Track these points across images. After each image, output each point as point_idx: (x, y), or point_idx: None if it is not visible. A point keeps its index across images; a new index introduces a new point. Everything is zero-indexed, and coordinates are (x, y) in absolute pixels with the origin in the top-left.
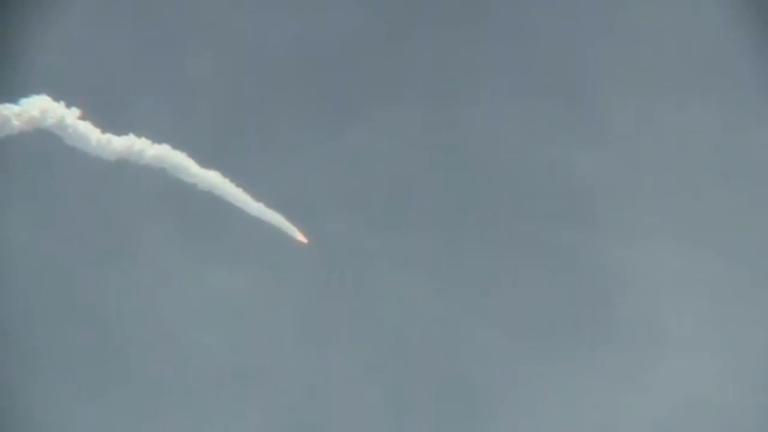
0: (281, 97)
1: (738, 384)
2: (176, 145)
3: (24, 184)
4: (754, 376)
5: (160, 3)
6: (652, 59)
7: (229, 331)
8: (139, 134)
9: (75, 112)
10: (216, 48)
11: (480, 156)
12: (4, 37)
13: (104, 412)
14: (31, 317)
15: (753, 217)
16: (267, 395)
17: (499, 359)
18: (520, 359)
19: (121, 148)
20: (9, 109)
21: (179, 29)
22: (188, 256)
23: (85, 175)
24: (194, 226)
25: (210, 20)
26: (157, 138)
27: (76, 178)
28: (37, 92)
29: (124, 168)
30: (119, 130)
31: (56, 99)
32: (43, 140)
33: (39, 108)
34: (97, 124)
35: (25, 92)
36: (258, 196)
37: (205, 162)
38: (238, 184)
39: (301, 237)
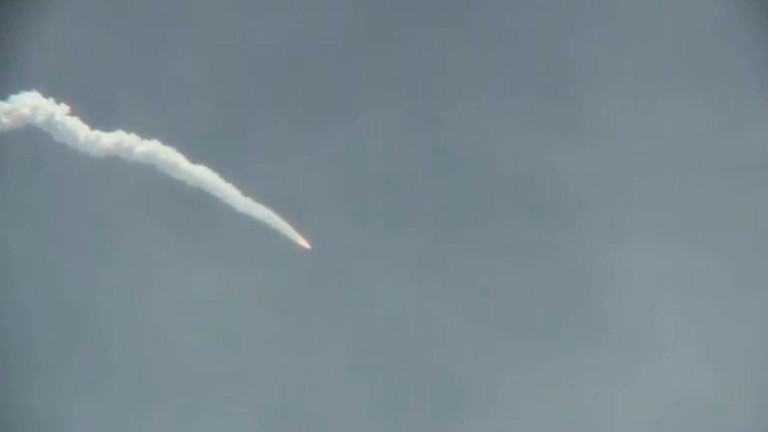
0: (271, 94)
1: (727, 383)
2: (166, 141)
3: (12, 183)
4: (742, 375)
5: None
6: (641, 58)
7: (216, 329)
8: (128, 130)
9: (64, 108)
10: (206, 44)
11: (470, 156)
12: None
13: (93, 411)
14: (19, 314)
15: (741, 215)
16: (257, 395)
17: (488, 358)
18: (511, 359)
19: (110, 144)
20: None
21: (168, 25)
22: (178, 255)
23: (74, 174)
24: (185, 224)
25: (199, 16)
26: (146, 134)
27: (65, 177)
28: (27, 89)
29: (114, 165)
30: (108, 127)
31: (45, 95)
32: (32, 138)
33: (29, 105)
34: (85, 121)
35: (15, 89)
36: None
37: (195, 158)
38: (228, 180)
39: (303, 242)
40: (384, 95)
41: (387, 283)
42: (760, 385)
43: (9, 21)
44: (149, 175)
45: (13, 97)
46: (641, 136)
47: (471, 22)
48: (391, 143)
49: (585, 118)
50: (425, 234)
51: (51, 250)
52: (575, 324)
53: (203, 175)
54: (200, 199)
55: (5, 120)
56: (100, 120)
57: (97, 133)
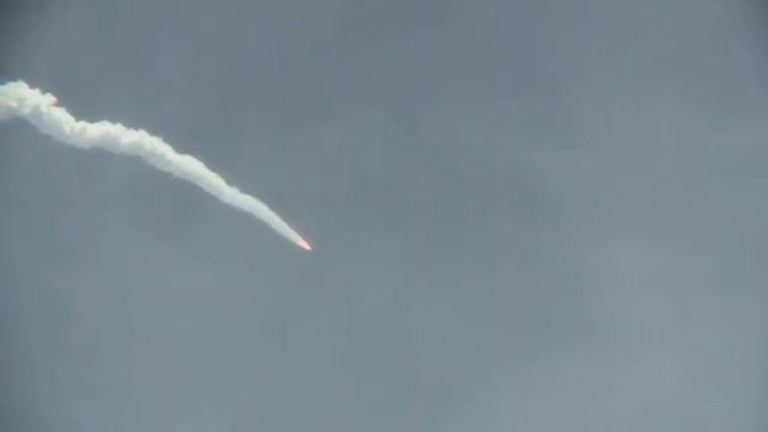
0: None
1: (713, 384)
2: (152, 132)
3: None
4: (724, 376)
5: None
6: (633, 58)
7: (209, 328)
8: (114, 120)
9: (50, 99)
10: (193, 37)
11: (455, 156)
12: None
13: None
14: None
15: (728, 216)
16: (251, 396)
17: (473, 358)
18: (499, 359)
19: (96, 135)
20: None
21: (156, 17)
22: (165, 250)
23: (60, 165)
24: (172, 217)
25: (187, 8)
26: (132, 124)
27: (51, 168)
28: (13, 80)
29: (100, 157)
30: (94, 117)
31: (32, 86)
32: (18, 129)
33: (15, 96)
34: (71, 111)
35: (1, 80)
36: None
37: (181, 149)
38: (214, 170)
39: (303, 243)
40: (376, 96)
41: (376, 283)
42: (746, 386)
43: None
44: (136, 166)
45: (0, 88)
46: (631, 136)
47: (464, 25)
48: (382, 144)
49: (577, 120)
50: (415, 234)
51: (36, 243)
52: (562, 324)
53: (190, 164)
54: (187, 192)
55: None
56: (86, 111)
57: (82, 124)
